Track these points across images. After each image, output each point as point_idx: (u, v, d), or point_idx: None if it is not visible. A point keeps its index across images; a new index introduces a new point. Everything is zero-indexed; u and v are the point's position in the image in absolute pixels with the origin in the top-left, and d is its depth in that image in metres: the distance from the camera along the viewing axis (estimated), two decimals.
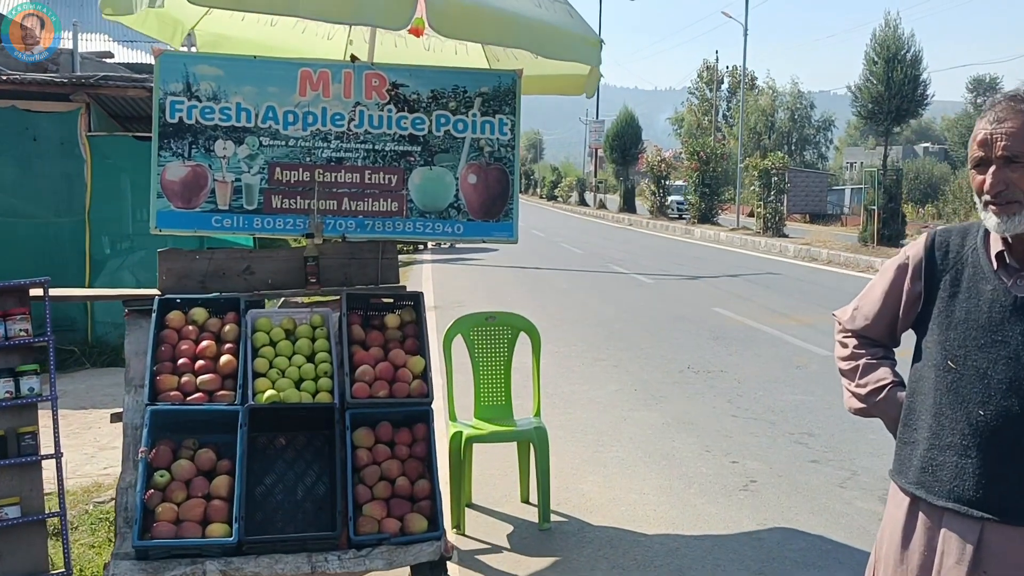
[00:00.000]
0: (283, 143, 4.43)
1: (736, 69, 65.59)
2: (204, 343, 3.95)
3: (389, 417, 3.94)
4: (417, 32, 3.60)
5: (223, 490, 3.58)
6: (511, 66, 4.94)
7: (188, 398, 3.79)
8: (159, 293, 4.21)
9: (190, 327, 4.02)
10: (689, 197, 29.32)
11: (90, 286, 9.03)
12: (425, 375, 4.06)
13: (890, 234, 18.24)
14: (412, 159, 4.54)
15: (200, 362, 3.90)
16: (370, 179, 4.51)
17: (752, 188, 23.01)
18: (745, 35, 27.32)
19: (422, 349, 4.14)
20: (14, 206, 9.26)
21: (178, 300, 4.08)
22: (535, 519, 4.74)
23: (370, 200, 4.51)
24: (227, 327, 4.03)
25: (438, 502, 3.75)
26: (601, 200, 44.54)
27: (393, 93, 4.51)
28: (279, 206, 4.43)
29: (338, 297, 4.40)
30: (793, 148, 70.29)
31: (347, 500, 3.66)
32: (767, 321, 11.32)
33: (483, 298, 13.22)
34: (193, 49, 4.94)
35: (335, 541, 3.54)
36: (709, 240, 25.62)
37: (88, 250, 9.30)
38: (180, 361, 3.89)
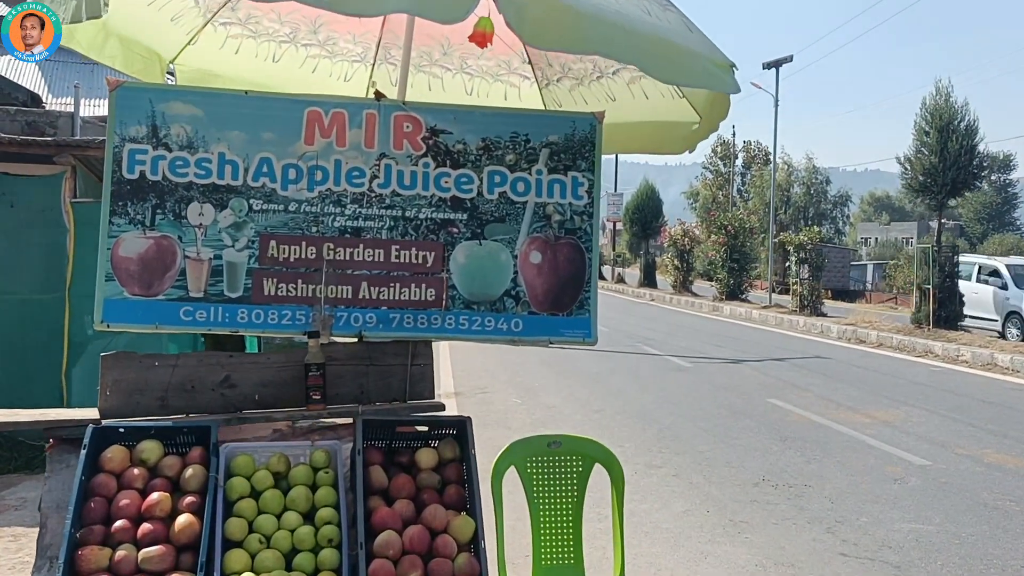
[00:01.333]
0: (281, 208, 3.25)
1: (751, 144, 65.72)
2: (154, 496, 2.70)
3: None
4: (482, 40, 2.46)
5: None
6: (582, 108, 3.80)
7: None
8: (97, 418, 2.98)
9: (136, 470, 2.77)
10: (717, 273, 28.13)
11: (68, 372, 7.86)
12: (476, 544, 2.78)
13: (947, 315, 16.88)
14: (455, 231, 3.35)
15: (146, 525, 2.64)
16: (398, 257, 3.31)
17: (787, 264, 21.83)
18: (776, 106, 26.53)
19: (471, 503, 2.88)
20: None
21: (121, 430, 2.84)
22: None
23: (397, 286, 3.30)
24: (189, 470, 2.78)
25: None
26: (619, 274, 43.46)
27: (431, 142, 3.34)
28: (273, 293, 3.23)
29: (350, 422, 3.16)
30: (810, 222, 69.83)
31: None
32: (835, 417, 9.97)
33: (507, 383, 11.94)
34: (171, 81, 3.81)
35: None
36: (740, 318, 24.30)
37: (67, 331, 8.12)
38: (116, 524, 2.63)
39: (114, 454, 2.76)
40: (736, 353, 16.32)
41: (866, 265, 48.03)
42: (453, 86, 4.13)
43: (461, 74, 4.13)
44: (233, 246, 3.22)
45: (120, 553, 2.56)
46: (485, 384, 11.96)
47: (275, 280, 3.23)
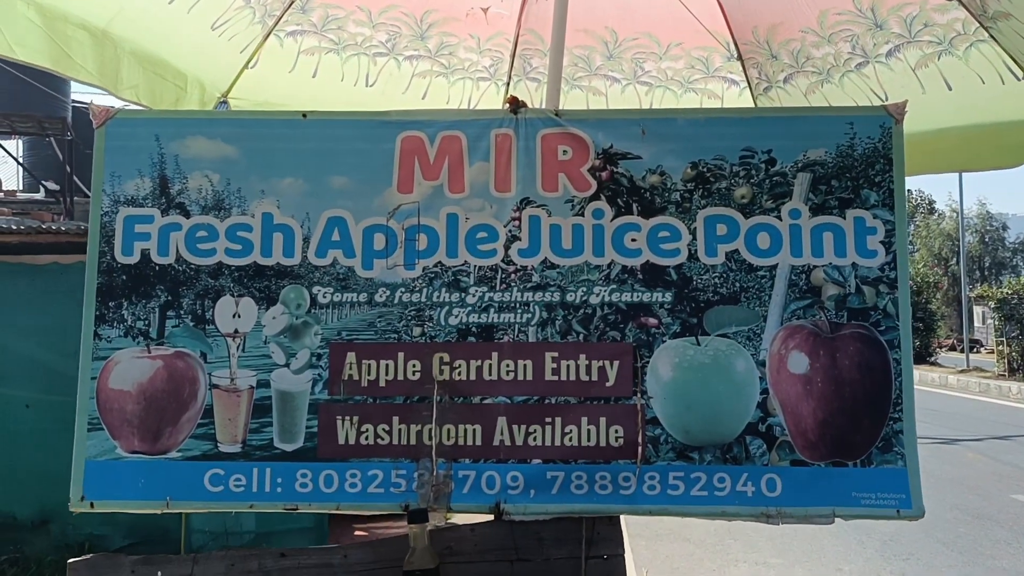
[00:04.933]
0: (364, 298, 1.96)
1: (912, 194, 62.24)
2: None
3: None
4: None
5: None
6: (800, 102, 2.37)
7: None
8: None
9: None
10: None
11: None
12: None
13: None
14: (654, 323, 1.94)
15: None
16: (556, 372, 1.94)
17: (988, 317, 19.09)
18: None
19: None
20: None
21: None
22: None
23: (559, 422, 1.92)
24: None
25: None
26: None
27: (606, 174, 1.98)
28: (354, 441, 1.92)
29: None
30: (987, 273, 64.93)
31: None
32: None
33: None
34: None
35: None
36: (933, 385, 21.43)
37: None
38: None
39: None
40: (945, 430, 13.92)
41: None
42: (623, 102, 2.79)
43: (635, 84, 2.80)
44: (287, 365, 1.95)
45: None
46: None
47: (356, 419, 1.93)
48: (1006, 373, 19.65)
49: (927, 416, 15.73)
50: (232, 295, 1.97)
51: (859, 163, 1.96)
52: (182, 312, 1.97)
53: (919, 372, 23.03)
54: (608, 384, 1.94)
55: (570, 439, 1.92)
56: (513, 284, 1.96)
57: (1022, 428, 13.86)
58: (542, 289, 1.96)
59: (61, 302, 6.50)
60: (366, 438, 1.93)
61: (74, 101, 13.12)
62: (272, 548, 1.90)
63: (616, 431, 1.92)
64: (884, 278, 1.95)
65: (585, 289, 1.96)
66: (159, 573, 1.82)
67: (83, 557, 1.86)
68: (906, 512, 1.90)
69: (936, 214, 66.16)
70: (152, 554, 1.88)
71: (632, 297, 1.95)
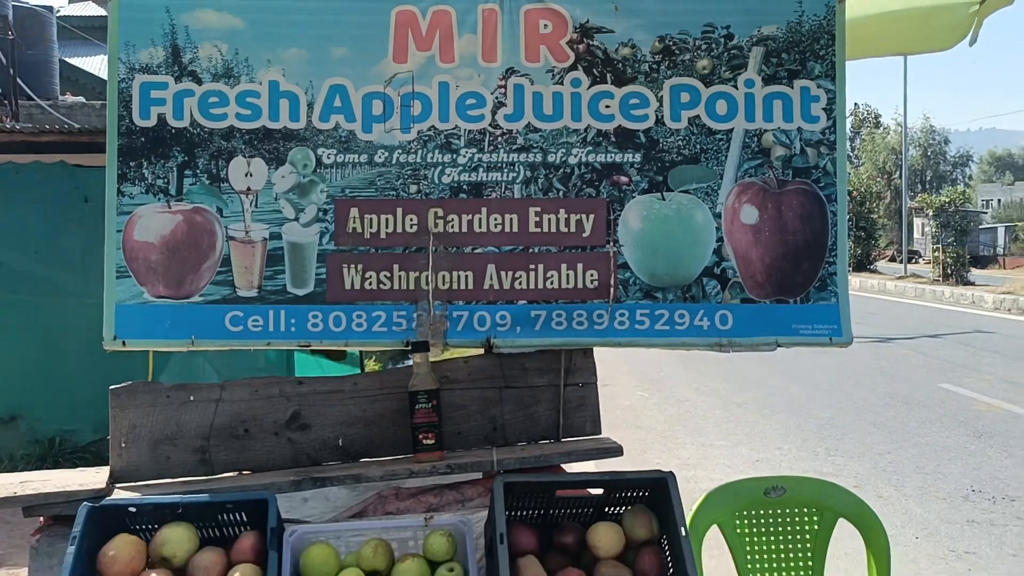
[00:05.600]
0: (364, 159, 2.18)
1: (859, 108, 62.72)
2: None
3: None
4: None
5: None
6: None
7: None
8: (101, 487, 1.97)
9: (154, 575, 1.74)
10: None
11: (154, 379, 7.14)
12: None
13: None
14: (625, 180, 2.20)
15: None
16: (539, 224, 2.19)
17: (926, 227, 19.77)
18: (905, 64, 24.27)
19: None
20: (61, 283, 7.44)
21: (132, 509, 1.81)
22: None
23: (541, 268, 2.19)
24: (237, 574, 1.73)
25: None
26: None
27: (583, 47, 2.19)
28: (358, 286, 2.16)
29: (479, 477, 2.08)
30: (928, 187, 66.42)
31: None
32: None
33: (628, 374, 10.74)
34: None
35: None
36: (873, 291, 22.26)
37: None
38: None
39: (120, 550, 1.74)
40: (881, 330, 14.64)
41: (995, 228, 44.65)
42: None
43: None
44: (297, 219, 2.17)
45: None
46: (603, 375, 10.77)
47: (360, 267, 2.16)
48: (940, 279, 20.50)
49: (865, 318, 16.47)
50: (244, 156, 2.17)
51: (806, 38, 2.21)
52: (198, 171, 2.17)
53: (859, 279, 23.88)
54: (584, 235, 2.20)
55: (551, 282, 2.19)
56: (500, 146, 2.19)
57: (952, 327, 14.63)
58: (526, 151, 2.19)
59: (20, 202, 6.55)
60: (370, 284, 2.17)
61: (15, 1, 12.65)
62: (291, 376, 2.15)
63: (591, 275, 2.19)
64: (825, 141, 2.22)
65: (564, 150, 2.20)
66: (191, 396, 2.07)
67: (123, 384, 2.09)
68: (837, 340, 2.22)
69: (882, 128, 67.01)
70: (180, 384, 2.12)
71: (606, 158, 2.20)
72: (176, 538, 1.78)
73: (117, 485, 1.99)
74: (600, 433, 2.25)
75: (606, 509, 1.97)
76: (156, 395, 2.07)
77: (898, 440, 7.29)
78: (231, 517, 1.86)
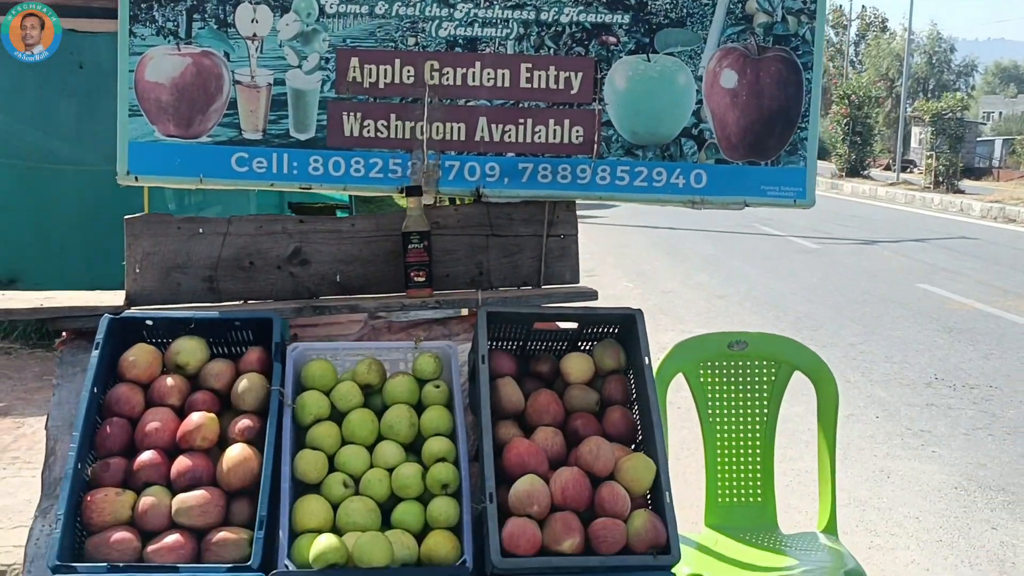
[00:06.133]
0: (365, 9, 2.27)
1: (866, 11, 61.14)
2: (195, 418, 1.87)
3: None
4: None
5: None
6: None
7: (150, 547, 1.73)
8: (120, 305, 2.15)
9: (169, 380, 1.94)
10: (837, 147, 26.02)
11: None
12: (657, 497, 1.87)
13: None
14: (612, 41, 2.31)
15: (183, 460, 1.82)
16: (530, 80, 2.31)
17: (922, 136, 19.70)
18: None
19: (646, 434, 1.96)
20: (55, 150, 7.48)
21: (149, 322, 2.00)
22: None
23: (530, 122, 2.32)
24: (244, 381, 1.93)
25: None
26: None
27: None
28: (357, 133, 2.30)
29: (465, 315, 2.27)
30: (930, 95, 65.25)
31: None
32: (1005, 305, 8.66)
33: (615, 265, 10.96)
34: None
35: None
36: (864, 196, 22.37)
37: (146, 206, 7.48)
38: (142, 457, 1.82)
39: (139, 356, 1.94)
40: (867, 234, 14.85)
41: (992, 141, 44.39)
42: None
43: None
44: (300, 67, 2.28)
45: (147, 500, 1.76)
46: (591, 267, 11.00)
47: (359, 115, 2.29)
48: (931, 185, 20.61)
49: (852, 222, 16.67)
50: (250, 2, 2.25)
51: None
52: (206, 15, 2.26)
53: (852, 184, 23.94)
54: (572, 92, 2.32)
55: (539, 137, 2.32)
56: (495, 2, 2.28)
57: (938, 233, 14.86)
58: (520, 8, 2.29)
59: (12, 66, 6.52)
60: (368, 131, 2.30)
61: None
62: (293, 215, 2.31)
63: (577, 131, 2.33)
64: (806, 10, 2.32)
65: (557, 9, 2.29)
66: (200, 229, 2.23)
67: (137, 215, 2.24)
68: (801, 201, 2.38)
69: (888, 33, 65.44)
70: (191, 217, 2.27)
71: (596, 18, 2.30)
72: (190, 348, 1.97)
73: (132, 307, 2.17)
74: (578, 281, 2.43)
75: (579, 344, 2.16)
76: (167, 225, 2.23)
77: (870, 333, 7.58)
78: (239, 335, 2.05)
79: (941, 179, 20.34)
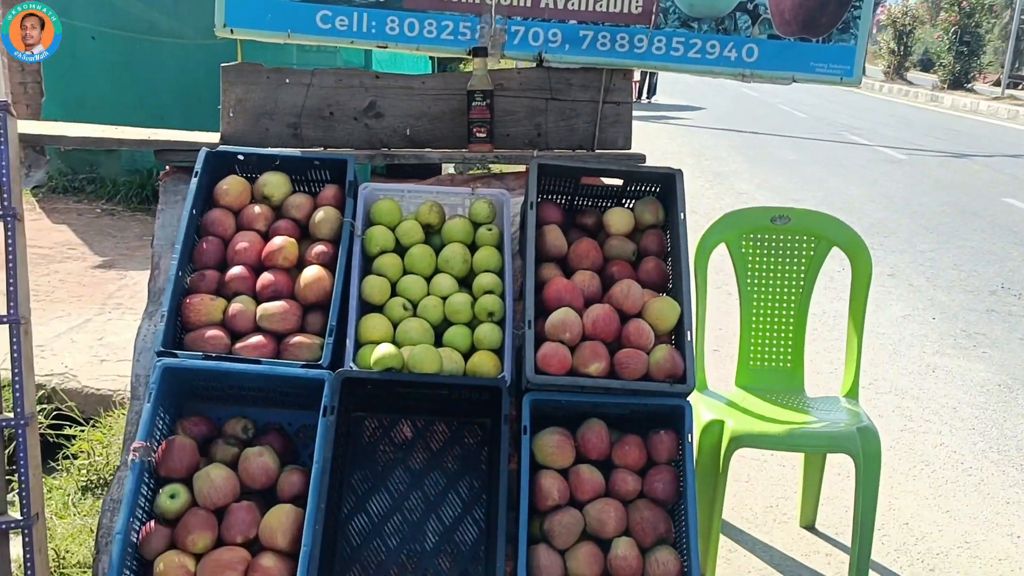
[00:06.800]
0: None
1: None
2: (277, 241, 2.15)
3: (607, 414, 2.05)
4: None
5: (284, 532, 1.84)
6: None
7: (237, 344, 2.04)
8: (216, 142, 2.43)
9: (257, 208, 2.22)
10: (941, 57, 24.68)
11: None
12: (679, 336, 2.09)
13: None
14: None
15: (267, 276, 2.11)
16: None
17: None
18: None
19: (675, 282, 2.16)
20: (156, 22, 7.81)
21: (240, 157, 2.26)
22: (826, 560, 2.81)
23: None
24: (321, 213, 2.20)
25: None
26: None
27: None
28: None
29: (522, 170, 2.48)
30: None
31: (517, 569, 1.85)
32: None
33: (693, 167, 10.91)
34: None
35: None
36: (964, 110, 21.35)
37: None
38: (232, 271, 2.12)
39: (231, 186, 2.21)
40: (960, 147, 14.31)
41: None
42: None
43: None
44: None
45: (236, 306, 2.06)
46: (667, 163, 11.02)
47: None
48: None
49: (947, 135, 16.04)
50: None
51: None
52: None
53: (952, 97, 22.83)
54: None
55: (600, 6, 2.46)
56: None
57: None
58: None
59: None
60: None
61: None
62: (371, 71, 2.52)
63: (636, 1, 2.45)
64: None
65: None
66: (287, 79, 2.46)
67: (232, 63, 2.49)
68: (847, 79, 2.48)
69: None
70: (279, 68, 2.50)
71: None
72: (275, 182, 2.23)
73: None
74: (630, 148, 2.60)
75: (622, 201, 2.35)
76: (258, 75, 2.47)
77: (944, 242, 7.51)
78: (318, 174, 2.30)
79: None
